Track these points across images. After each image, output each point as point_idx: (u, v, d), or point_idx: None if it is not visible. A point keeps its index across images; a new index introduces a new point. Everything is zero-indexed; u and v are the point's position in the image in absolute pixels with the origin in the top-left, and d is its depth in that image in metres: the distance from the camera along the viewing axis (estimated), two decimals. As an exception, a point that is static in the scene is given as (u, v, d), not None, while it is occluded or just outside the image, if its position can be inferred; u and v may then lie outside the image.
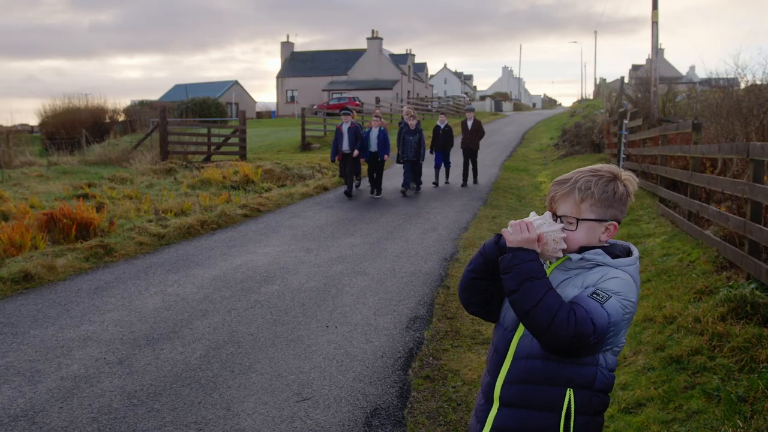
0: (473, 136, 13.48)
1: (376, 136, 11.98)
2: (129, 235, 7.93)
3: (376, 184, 11.92)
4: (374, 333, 4.73)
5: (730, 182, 5.60)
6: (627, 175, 1.76)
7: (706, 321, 4.10)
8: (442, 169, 13.42)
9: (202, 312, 5.21)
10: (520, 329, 1.73)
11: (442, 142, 13.21)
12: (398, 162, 12.58)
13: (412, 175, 12.22)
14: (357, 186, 12.71)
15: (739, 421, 3.02)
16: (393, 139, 12.77)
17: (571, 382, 1.67)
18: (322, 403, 3.61)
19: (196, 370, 4.05)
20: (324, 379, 3.92)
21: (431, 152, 13.33)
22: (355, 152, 11.55)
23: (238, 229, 8.88)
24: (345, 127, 11.68)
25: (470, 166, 13.49)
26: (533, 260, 1.64)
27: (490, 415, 1.75)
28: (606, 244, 1.76)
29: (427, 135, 14.25)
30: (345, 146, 11.65)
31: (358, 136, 11.66)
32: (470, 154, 13.47)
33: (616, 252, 1.75)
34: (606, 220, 1.73)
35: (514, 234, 1.67)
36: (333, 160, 12.43)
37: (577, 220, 1.72)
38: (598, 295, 1.62)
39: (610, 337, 1.64)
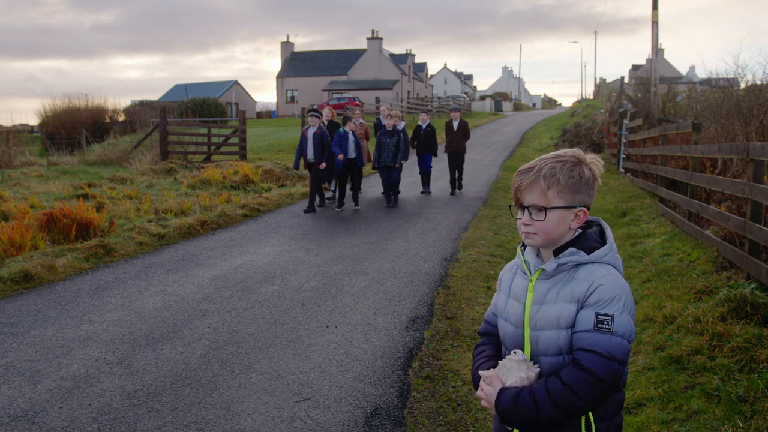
0: (459, 139, 12.04)
1: (353, 140, 10.57)
2: (129, 235, 7.94)
3: (353, 195, 10.64)
4: (374, 333, 4.73)
5: (730, 182, 5.60)
6: (592, 158, 1.72)
7: (706, 321, 4.10)
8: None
9: (202, 312, 5.21)
10: (526, 352, 1.73)
11: (424, 143, 11.89)
12: (374, 168, 11.21)
13: (388, 183, 10.75)
14: (340, 194, 10.76)
15: (739, 421, 3.02)
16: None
17: None
18: (322, 403, 3.61)
19: (196, 370, 4.05)
20: (324, 379, 3.92)
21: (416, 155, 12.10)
22: (322, 165, 10.11)
23: (238, 229, 8.88)
24: (310, 132, 10.20)
25: (456, 173, 12.06)
26: (520, 404, 1.60)
27: None
28: (579, 231, 1.71)
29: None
30: (309, 155, 10.20)
31: (325, 144, 10.13)
32: (456, 158, 12.03)
33: (590, 244, 1.69)
34: (575, 207, 1.68)
35: (489, 404, 1.67)
36: (296, 168, 10.71)
37: (546, 209, 1.66)
38: (602, 323, 1.58)
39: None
